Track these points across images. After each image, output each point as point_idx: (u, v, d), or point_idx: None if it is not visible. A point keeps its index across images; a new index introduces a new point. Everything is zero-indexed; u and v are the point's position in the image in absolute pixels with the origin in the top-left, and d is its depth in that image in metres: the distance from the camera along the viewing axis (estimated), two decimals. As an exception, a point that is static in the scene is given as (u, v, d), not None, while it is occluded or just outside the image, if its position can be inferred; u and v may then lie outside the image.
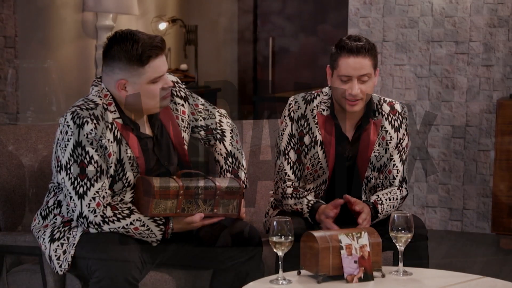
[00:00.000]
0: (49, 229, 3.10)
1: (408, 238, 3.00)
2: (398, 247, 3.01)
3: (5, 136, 3.50)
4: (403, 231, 2.99)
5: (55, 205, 3.13)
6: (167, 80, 3.10)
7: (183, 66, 8.39)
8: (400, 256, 3.02)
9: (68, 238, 3.05)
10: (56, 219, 3.12)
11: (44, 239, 3.08)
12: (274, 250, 2.91)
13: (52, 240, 3.06)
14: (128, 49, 3.00)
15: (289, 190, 3.48)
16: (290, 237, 2.90)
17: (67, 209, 3.07)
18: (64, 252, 3.04)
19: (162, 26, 8.28)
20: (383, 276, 2.98)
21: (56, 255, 3.04)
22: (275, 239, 2.89)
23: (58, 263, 3.04)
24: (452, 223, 6.19)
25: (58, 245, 3.05)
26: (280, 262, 2.92)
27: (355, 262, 2.92)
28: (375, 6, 6.28)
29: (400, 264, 3.03)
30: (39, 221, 3.16)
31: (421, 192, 6.26)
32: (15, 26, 6.42)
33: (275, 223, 2.90)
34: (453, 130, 6.17)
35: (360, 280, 2.92)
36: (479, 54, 6.09)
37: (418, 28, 6.20)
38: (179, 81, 3.33)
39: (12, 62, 6.49)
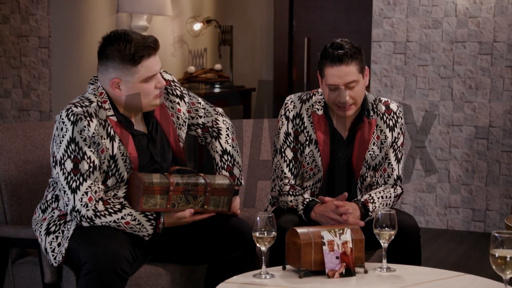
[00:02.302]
0: (46, 222, 3.21)
1: (392, 235, 3.05)
2: (381, 244, 3.05)
3: (14, 133, 3.62)
4: (386, 228, 3.04)
5: (53, 199, 3.24)
6: (160, 79, 3.19)
7: (217, 66, 8.50)
8: (383, 253, 3.07)
9: (63, 231, 3.16)
10: (54, 212, 3.23)
11: (40, 232, 3.20)
12: (257, 245, 2.99)
13: (47, 233, 3.18)
14: (121, 48, 3.10)
15: (286, 188, 3.55)
16: (273, 232, 2.98)
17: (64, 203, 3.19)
18: (59, 244, 3.15)
19: (197, 26, 8.39)
20: (365, 272, 3.03)
21: (51, 248, 3.15)
22: (257, 234, 2.97)
23: (53, 255, 3.15)
24: (475, 224, 6.18)
25: (53, 238, 3.16)
26: (263, 257, 3.00)
27: (337, 258, 2.98)
28: (399, 6, 6.30)
29: (384, 261, 3.07)
30: (39, 214, 3.28)
31: (443, 193, 6.26)
32: (49, 27, 6.59)
33: (258, 218, 2.97)
34: (476, 130, 6.16)
35: (341, 275, 2.97)
36: (503, 55, 6.07)
37: (442, 28, 6.21)
38: (175, 80, 3.42)
39: (46, 62, 6.66)
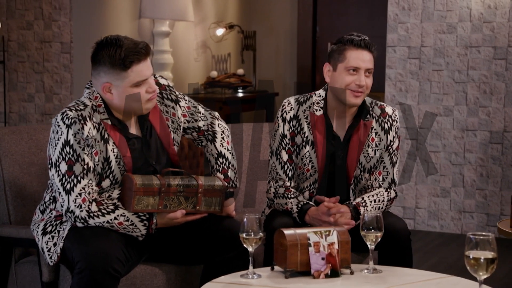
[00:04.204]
0: (43, 222, 3.31)
1: (378, 237, 3.09)
2: (368, 245, 3.10)
3: (19, 135, 3.71)
4: (373, 230, 3.08)
5: (51, 201, 3.34)
6: (151, 84, 3.26)
7: (240, 71, 8.58)
8: (370, 255, 3.12)
9: (58, 231, 3.25)
10: (51, 213, 3.32)
11: (38, 232, 3.29)
12: (244, 245, 3.05)
13: (44, 233, 3.27)
14: (112, 53, 3.18)
15: (281, 190, 3.61)
16: (260, 234, 3.03)
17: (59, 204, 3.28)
18: (55, 244, 3.24)
19: (220, 32, 8.48)
20: (351, 273, 3.07)
21: (47, 247, 3.25)
22: (244, 235, 3.03)
23: (49, 255, 3.24)
24: (489, 229, 6.18)
25: (49, 238, 3.25)
26: (250, 258, 3.06)
27: (323, 259, 3.03)
28: (413, 11, 6.33)
29: (371, 262, 3.12)
30: (38, 215, 3.38)
31: (458, 197, 6.27)
32: (70, 32, 6.73)
33: (245, 220, 3.03)
34: (491, 135, 6.16)
35: (327, 276, 3.02)
36: (518, 60, 6.08)
37: (456, 33, 6.22)
38: (170, 85, 3.50)
39: (68, 67, 6.79)
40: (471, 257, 2.60)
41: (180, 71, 8.06)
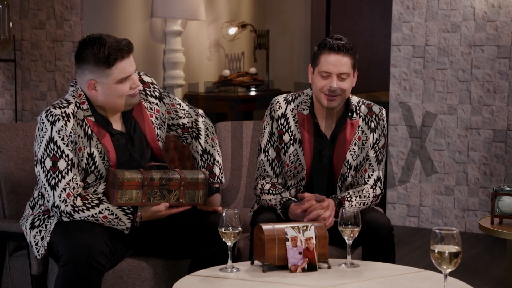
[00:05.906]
0: (32, 217, 3.40)
1: (355, 232, 3.14)
2: (346, 240, 3.15)
3: (14, 132, 3.81)
4: (350, 225, 3.14)
5: (40, 196, 3.42)
6: (135, 80, 3.34)
7: (252, 70, 8.64)
8: (348, 249, 3.17)
9: (46, 225, 3.34)
10: (40, 208, 3.41)
11: (26, 226, 3.38)
12: (223, 240, 3.11)
13: (32, 227, 3.36)
14: (96, 52, 3.26)
15: (267, 186, 3.67)
16: (238, 228, 3.09)
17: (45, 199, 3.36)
18: (42, 238, 3.32)
19: (232, 31, 8.55)
20: (329, 267, 3.13)
21: (35, 241, 3.33)
22: (223, 230, 3.09)
23: (36, 249, 3.33)
24: (493, 227, 6.19)
25: (36, 232, 3.34)
26: (229, 252, 3.12)
27: (300, 253, 3.09)
28: (418, 11, 6.36)
29: (348, 257, 3.17)
30: (28, 211, 3.46)
31: (462, 196, 6.29)
32: (81, 31, 6.81)
33: (224, 214, 3.10)
34: (494, 134, 6.18)
35: (304, 270, 3.07)
36: (521, 58, 6.09)
37: (460, 32, 6.25)
38: (154, 82, 3.57)
39: (79, 66, 6.86)
40: (436, 251, 2.65)
41: (192, 70, 8.13)
